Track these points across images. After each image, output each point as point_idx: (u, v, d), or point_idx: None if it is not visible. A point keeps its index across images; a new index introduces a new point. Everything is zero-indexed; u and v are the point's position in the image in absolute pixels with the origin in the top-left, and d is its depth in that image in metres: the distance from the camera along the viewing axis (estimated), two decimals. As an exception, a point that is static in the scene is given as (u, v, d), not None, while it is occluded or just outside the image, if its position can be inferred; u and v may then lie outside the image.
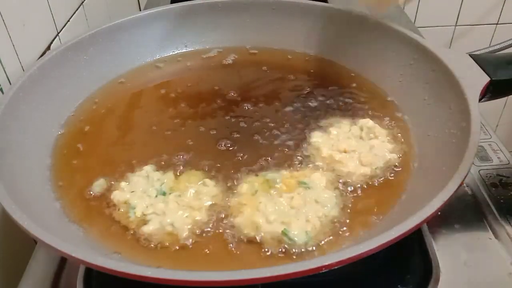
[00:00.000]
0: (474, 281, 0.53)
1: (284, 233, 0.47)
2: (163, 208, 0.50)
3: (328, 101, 0.69)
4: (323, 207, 0.50)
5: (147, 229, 0.49)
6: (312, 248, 0.47)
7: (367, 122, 0.61)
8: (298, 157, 0.58)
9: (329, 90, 0.71)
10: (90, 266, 0.39)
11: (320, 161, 0.57)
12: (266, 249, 0.47)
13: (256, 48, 0.81)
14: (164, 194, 0.52)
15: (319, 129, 0.62)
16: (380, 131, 0.61)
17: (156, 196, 0.52)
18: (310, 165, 0.57)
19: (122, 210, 0.51)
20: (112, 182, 0.55)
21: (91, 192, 0.54)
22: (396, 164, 0.57)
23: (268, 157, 0.58)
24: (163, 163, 0.57)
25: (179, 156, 0.58)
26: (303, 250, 0.47)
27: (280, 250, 0.47)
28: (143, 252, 0.48)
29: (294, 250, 0.47)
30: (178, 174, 0.56)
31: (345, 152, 0.57)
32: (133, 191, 0.53)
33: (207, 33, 0.81)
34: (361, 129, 0.61)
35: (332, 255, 0.38)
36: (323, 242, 0.48)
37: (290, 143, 0.60)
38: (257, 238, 0.48)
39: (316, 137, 0.60)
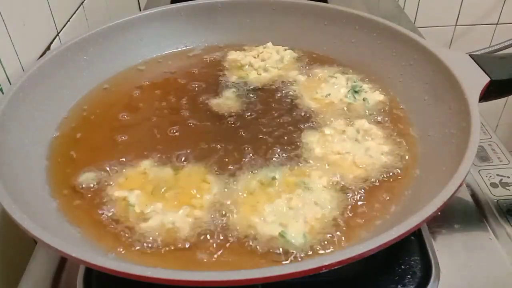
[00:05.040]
0: (474, 281, 0.53)
1: (282, 235, 0.47)
2: (162, 206, 0.50)
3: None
4: (323, 209, 0.50)
5: (147, 226, 0.49)
6: (311, 249, 0.47)
7: (363, 124, 0.61)
8: (296, 157, 0.58)
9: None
10: (90, 266, 0.39)
11: (316, 162, 0.57)
12: (265, 249, 0.47)
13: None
14: (163, 191, 0.52)
15: (316, 129, 0.62)
16: (377, 133, 0.60)
17: (154, 193, 0.52)
18: (308, 165, 0.57)
19: (120, 209, 0.51)
20: (111, 181, 0.55)
21: (84, 187, 0.54)
22: (394, 165, 0.57)
23: (267, 156, 0.58)
24: (161, 160, 0.57)
25: (177, 154, 0.58)
26: (301, 251, 0.47)
27: (278, 250, 0.47)
28: (142, 251, 0.48)
29: (292, 251, 0.47)
30: (177, 172, 0.56)
31: (339, 154, 0.57)
32: (131, 189, 0.53)
33: (207, 32, 0.81)
34: (358, 131, 0.61)
35: (332, 255, 0.38)
36: (322, 243, 0.48)
37: (288, 142, 0.60)
38: (256, 237, 0.48)
39: (312, 137, 0.60)
